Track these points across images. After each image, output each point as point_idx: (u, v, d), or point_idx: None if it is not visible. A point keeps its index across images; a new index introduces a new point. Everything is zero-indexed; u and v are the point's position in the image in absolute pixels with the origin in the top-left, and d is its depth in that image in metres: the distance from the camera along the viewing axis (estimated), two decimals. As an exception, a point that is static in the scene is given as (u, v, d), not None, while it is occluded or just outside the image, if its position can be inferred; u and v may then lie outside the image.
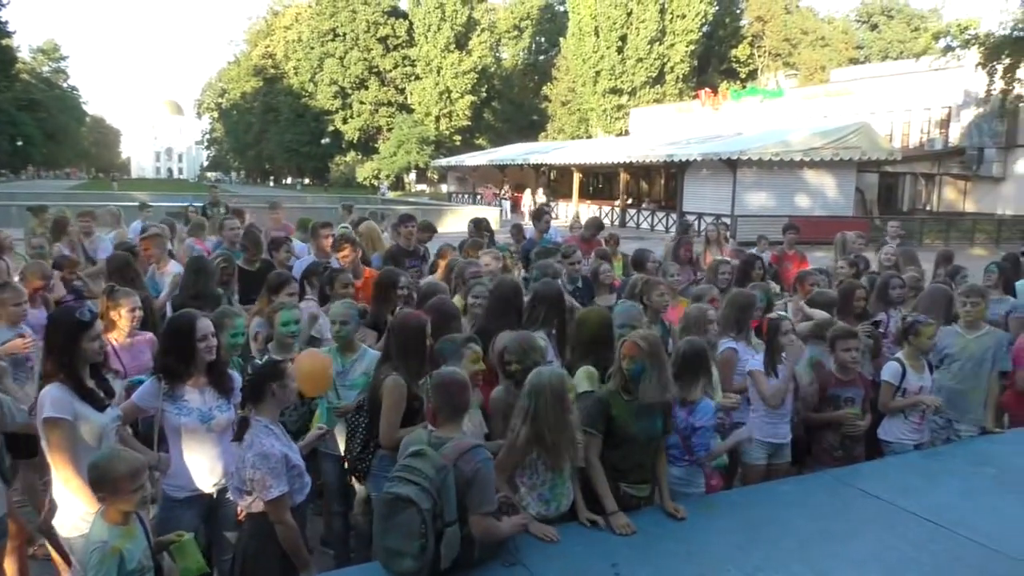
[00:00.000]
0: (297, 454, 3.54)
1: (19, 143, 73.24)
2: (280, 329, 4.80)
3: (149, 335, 4.94)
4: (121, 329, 4.75)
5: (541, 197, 37.26)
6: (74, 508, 3.41)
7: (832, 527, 4.03)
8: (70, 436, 3.40)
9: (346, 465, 4.47)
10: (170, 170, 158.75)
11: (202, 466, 3.78)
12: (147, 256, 7.12)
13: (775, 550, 3.74)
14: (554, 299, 5.09)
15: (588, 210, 36.27)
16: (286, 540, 3.34)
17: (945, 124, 36.43)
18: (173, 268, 7.02)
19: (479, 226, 9.45)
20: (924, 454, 5.18)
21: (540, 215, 9.72)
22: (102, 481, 2.97)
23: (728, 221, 22.56)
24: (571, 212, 35.60)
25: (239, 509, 3.47)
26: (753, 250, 10.01)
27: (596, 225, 9.85)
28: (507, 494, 3.66)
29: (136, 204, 14.10)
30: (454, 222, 25.05)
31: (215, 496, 3.81)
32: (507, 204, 38.62)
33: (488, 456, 3.31)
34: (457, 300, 5.72)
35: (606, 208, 36.11)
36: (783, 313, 5.48)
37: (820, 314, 5.88)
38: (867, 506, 4.31)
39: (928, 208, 34.81)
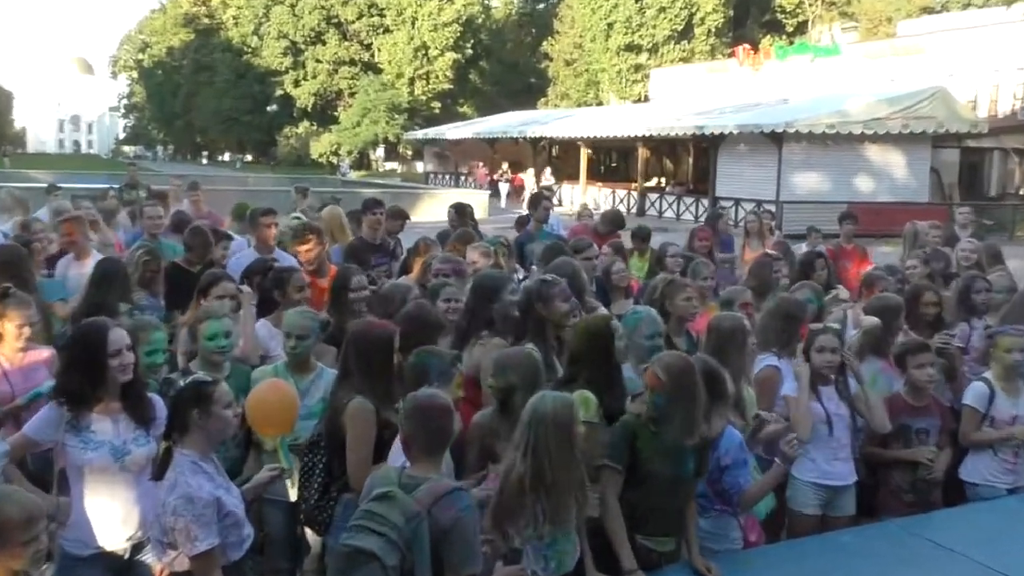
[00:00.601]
0: (236, 498, 3.52)
1: None
2: (205, 344, 4.76)
3: (47, 351, 4.89)
4: (9, 343, 4.70)
5: (548, 178, 37.29)
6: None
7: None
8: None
9: (301, 515, 4.45)
10: (77, 143, 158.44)
11: (113, 515, 3.74)
12: (68, 243, 7.10)
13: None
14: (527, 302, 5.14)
15: (599, 194, 36.39)
16: (214, 607, 3.32)
17: (1040, 89, 36.65)
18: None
19: (462, 213, 9.46)
20: (1016, 498, 5.18)
21: (537, 201, 9.71)
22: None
23: (772, 209, 22.61)
24: (577, 197, 35.71)
25: (159, 568, 3.45)
26: (802, 245, 10.07)
27: (615, 220, 9.81)
28: (496, 539, 3.63)
29: (42, 186, 14.09)
30: (432, 209, 25.09)
31: (128, 554, 3.78)
32: (505, 188, 38.52)
33: (471, 503, 3.29)
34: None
35: (621, 192, 36.23)
36: (833, 325, 5.46)
37: (871, 321, 5.88)
38: (942, 564, 4.31)
39: (1023, 193, 34.92)
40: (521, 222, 9.87)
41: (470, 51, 68.84)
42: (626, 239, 9.16)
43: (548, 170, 39.00)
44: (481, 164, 43.90)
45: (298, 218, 9.27)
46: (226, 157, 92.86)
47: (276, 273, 5.97)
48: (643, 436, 3.97)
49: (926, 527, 4.72)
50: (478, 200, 26.68)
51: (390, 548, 3.08)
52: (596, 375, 4.47)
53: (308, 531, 4.47)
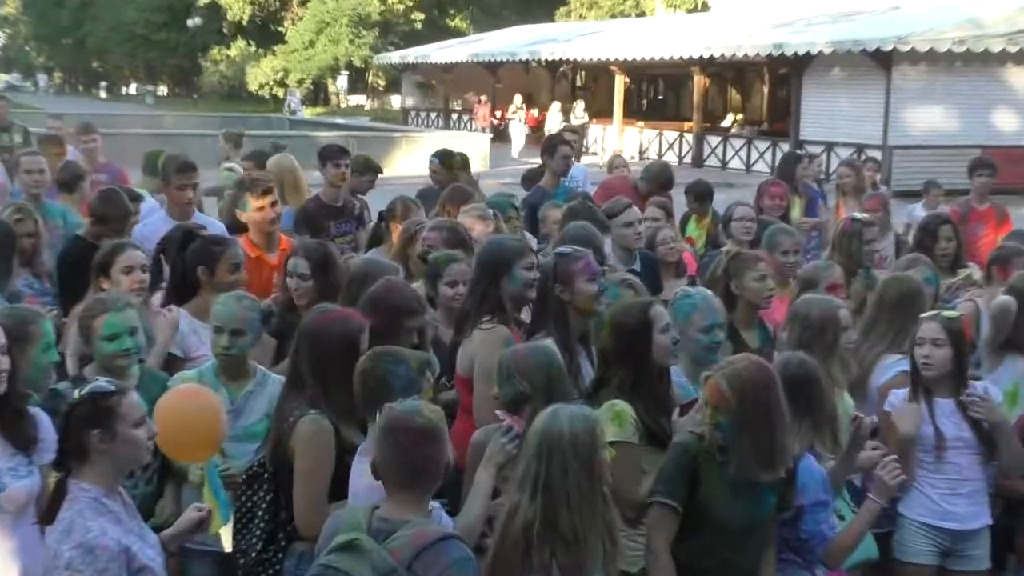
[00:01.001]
0: (153, 547, 3.57)
1: None
2: (103, 346, 4.74)
3: None
4: None
5: (580, 115, 36.90)
6: None
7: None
8: None
9: (239, 572, 4.48)
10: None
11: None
12: None
13: None
14: (543, 283, 5.20)
15: (640, 138, 36.28)
16: None
17: None
18: None
19: (449, 164, 9.47)
20: None
21: (553, 147, 9.67)
22: None
23: (877, 156, 22.52)
24: (611, 141, 35.58)
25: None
26: (918, 205, 10.06)
27: (661, 176, 9.74)
28: None
29: None
30: (412, 158, 25.05)
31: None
32: (520, 130, 38.27)
33: (466, 556, 3.30)
34: (423, 288, 5.76)
35: (671, 135, 36.14)
36: (951, 313, 5.44)
37: (1005, 303, 5.87)
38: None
39: None
40: (530, 177, 9.83)
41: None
42: (678, 199, 9.18)
43: (580, 104, 38.65)
44: (483, 98, 43.57)
45: (231, 170, 9.29)
46: (132, 89, 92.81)
47: (203, 245, 5.93)
48: (708, 465, 3.99)
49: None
50: (476, 147, 26.75)
51: None
52: (632, 379, 4.51)
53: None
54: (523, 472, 3.64)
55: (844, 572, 4.58)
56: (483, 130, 38.67)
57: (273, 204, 6.86)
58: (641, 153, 35.27)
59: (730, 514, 3.98)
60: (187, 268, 5.76)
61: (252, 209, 6.78)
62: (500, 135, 37.25)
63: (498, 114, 41.80)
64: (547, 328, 5.05)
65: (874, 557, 4.70)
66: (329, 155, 8.32)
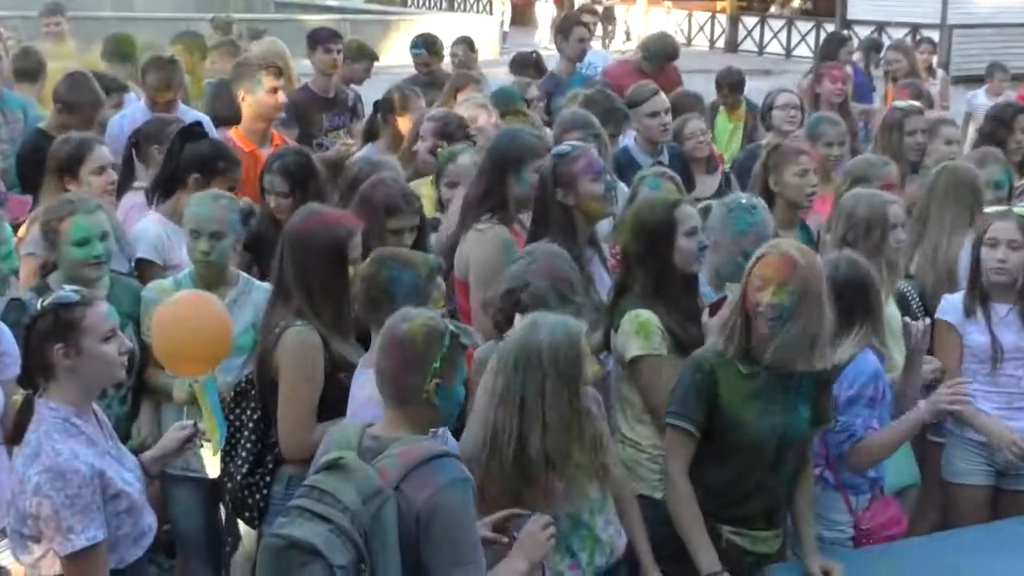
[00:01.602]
0: (131, 471, 3.61)
1: None
2: (71, 251, 4.75)
3: None
4: None
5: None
6: None
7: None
8: None
9: (226, 498, 4.56)
10: None
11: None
12: None
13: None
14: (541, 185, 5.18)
15: (667, 20, 35.89)
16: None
17: None
18: None
19: (434, 48, 9.48)
20: None
21: (568, 29, 9.60)
22: None
23: (935, 36, 22.22)
24: (634, 24, 35.26)
25: (20, 572, 3.54)
26: (980, 91, 9.97)
27: (662, 46, 9.61)
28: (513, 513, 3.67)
29: None
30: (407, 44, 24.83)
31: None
32: (547, 10, 37.37)
33: (463, 475, 3.29)
34: (425, 189, 5.76)
35: (701, 15, 35.78)
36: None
37: None
38: None
39: None
40: (520, 61, 9.72)
41: None
42: (708, 88, 9.11)
43: None
44: None
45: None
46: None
47: (210, 152, 5.80)
48: (728, 380, 4.00)
49: None
50: (485, 31, 26.40)
51: (338, 541, 3.09)
52: (653, 285, 4.50)
53: (240, 523, 4.57)
54: (501, 387, 3.67)
55: (892, 500, 4.62)
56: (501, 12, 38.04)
57: (279, 86, 6.88)
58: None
59: (761, 430, 3.99)
60: (180, 168, 5.67)
61: (265, 89, 6.77)
62: (522, 18, 36.68)
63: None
64: (550, 238, 4.94)
65: (915, 484, 4.72)
66: (320, 39, 8.28)
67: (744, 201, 5.24)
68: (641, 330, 4.33)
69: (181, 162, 5.66)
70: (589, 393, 3.74)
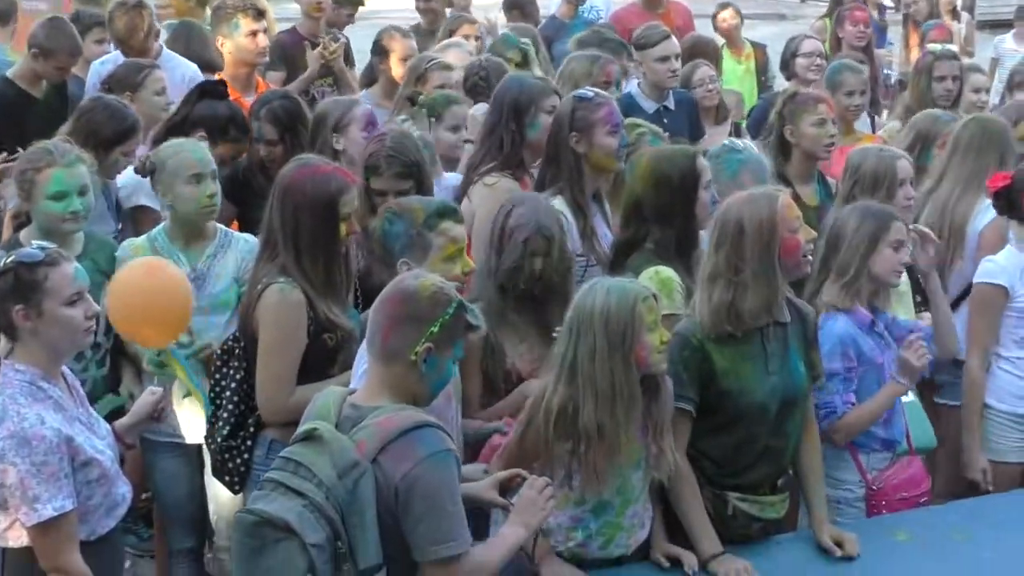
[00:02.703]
0: (103, 439, 3.60)
1: None
2: (47, 205, 4.74)
3: None
4: None
5: None
6: None
7: None
8: None
9: (206, 461, 4.57)
10: None
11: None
12: None
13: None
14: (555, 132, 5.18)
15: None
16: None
17: None
18: None
19: None
20: None
21: None
22: None
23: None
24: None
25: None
26: (1008, 35, 9.93)
27: None
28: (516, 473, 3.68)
29: None
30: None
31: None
32: None
33: (444, 447, 3.27)
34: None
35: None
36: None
37: None
38: None
39: None
40: (513, 2, 9.67)
41: None
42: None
43: None
44: None
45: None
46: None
47: (227, 115, 5.83)
48: (719, 350, 4.00)
49: None
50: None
51: (312, 517, 3.08)
52: (675, 241, 4.53)
53: (218, 488, 4.56)
54: (558, 350, 3.72)
55: (919, 462, 4.61)
56: None
57: (260, 28, 6.91)
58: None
59: (763, 392, 4.01)
60: (188, 121, 5.70)
61: (244, 33, 6.81)
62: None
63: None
64: (559, 183, 5.02)
65: (930, 446, 4.70)
66: None
67: (724, 144, 5.40)
68: (663, 288, 4.30)
69: (192, 115, 5.70)
70: (654, 366, 3.73)
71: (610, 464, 3.74)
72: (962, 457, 4.93)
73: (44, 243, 3.72)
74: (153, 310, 4.23)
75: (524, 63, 7.14)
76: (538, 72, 6.94)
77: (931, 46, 8.04)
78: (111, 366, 4.81)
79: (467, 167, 5.47)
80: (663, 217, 4.58)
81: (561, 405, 3.68)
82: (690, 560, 3.92)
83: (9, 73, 6.94)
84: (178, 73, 6.99)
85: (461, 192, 5.31)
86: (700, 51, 7.87)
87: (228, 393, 4.35)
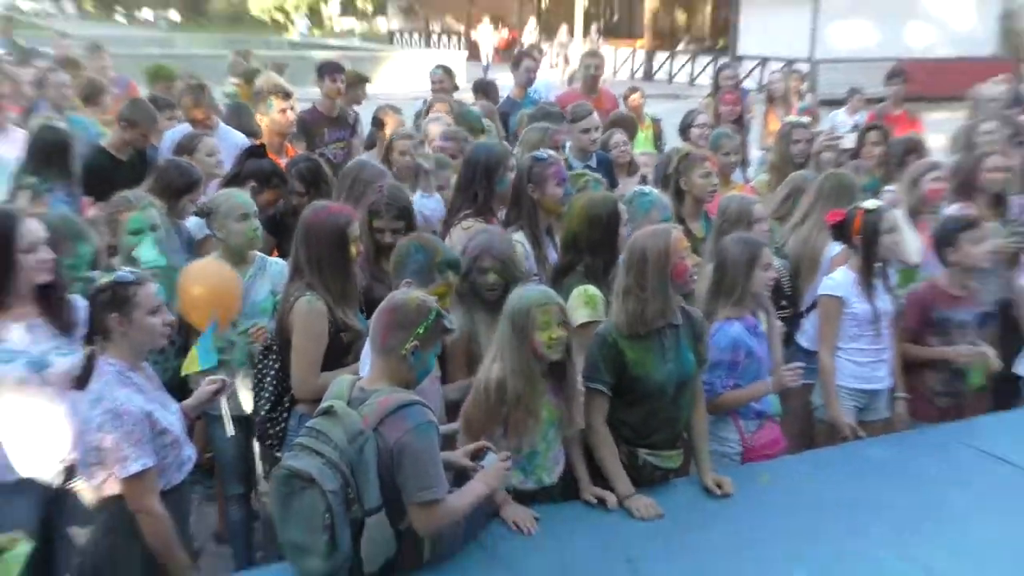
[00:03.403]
0: (172, 412, 3.60)
1: None
2: (128, 240, 4.75)
3: None
4: None
5: (563, 38, 35.95)
6: None
7: (941, 504, 4.18)
8: None
9: (252, 428, 4.59)
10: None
11: (37, 435, 3.79)
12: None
13: (858, 539, 3.88)
14: (517, 183, 5.24)
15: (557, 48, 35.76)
16: (152, 536, 3.41)
17: None
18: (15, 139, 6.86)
19: (451, 74, 9.37)
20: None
21: (519, 61, 9.62)
22: None
23: (806, 68, 22.35)
24: (573, 55, 35.07)
25: (88, 493, 3.52)
26: (842, 110, 10.03)
27: (591, 64, 9.49)
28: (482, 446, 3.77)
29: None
30: (397, 74, 24.67)
31: (61, 479, 3.85)
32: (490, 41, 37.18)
33: (426, 420, 3.35)
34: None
35: (625, 51, 35.66)
36: (879, 203, 5.47)
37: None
38: (995, 475, 4.45)
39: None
40: (480, 87, 9.69)
41: None
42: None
43: (565, 28, 37.20)
44: (488, 21, 41.50)
45: (235, 85, 9.21)
46: (148, 15, 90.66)
47: (266, 171, 5.85)
48: (628, 345, 4.04)
49: (974, 434, 4.85)
50: (453, 63, 26.27)
51: (330, 471, 3.21)
52: (596, 265, 4.60)
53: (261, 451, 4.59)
54: (496, 338, 3.85)
55: (776, 425, 4.66)
56: (495, 56, 36.98)
57: (288, 106, 6.88)
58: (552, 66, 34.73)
59: (662, 376, 4.06)
60: (242, 175, 5.73)
61: (276, 111, 6.83)
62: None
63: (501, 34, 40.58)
64: (520, 221, 5.11)
65: (778, 413, 4.72)
66: (327, 70, 8.20)
67: (636, 190, 5.42)
68: (590, 301, 4.40)
69: (244, 170, 5.75)
70: (547, 356, 3.77)
71: (533, 423, 3.82)
72: (830, 422, 4.97)
73: (132, 269, 3.75)
74: (204, 292, 4.36)
75: (483, 132, 7.23)
76: (494, 138, 7.01)
77: (789, 118, 8.14)
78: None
79: (448, 212, 5.47)
80: (593, 248, 4.64)
81: (497, 380, 3.76)
82: (611, 499, 3.99)
83: (103, 142, 6.90)
84: (231, 141, 6.99)
85: (443, 232, 5.29)
86: (622, 123, 7.89)
87: (268, 379, 4.39)
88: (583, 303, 4.35)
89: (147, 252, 4.70)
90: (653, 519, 3.91)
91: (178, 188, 5.43)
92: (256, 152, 6.14)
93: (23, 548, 3.16)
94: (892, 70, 9.96)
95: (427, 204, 5.74)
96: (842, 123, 9.46)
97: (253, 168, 5.78)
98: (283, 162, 6.32)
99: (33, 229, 3.78)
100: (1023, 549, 3.85)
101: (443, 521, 3.42)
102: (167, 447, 3.49)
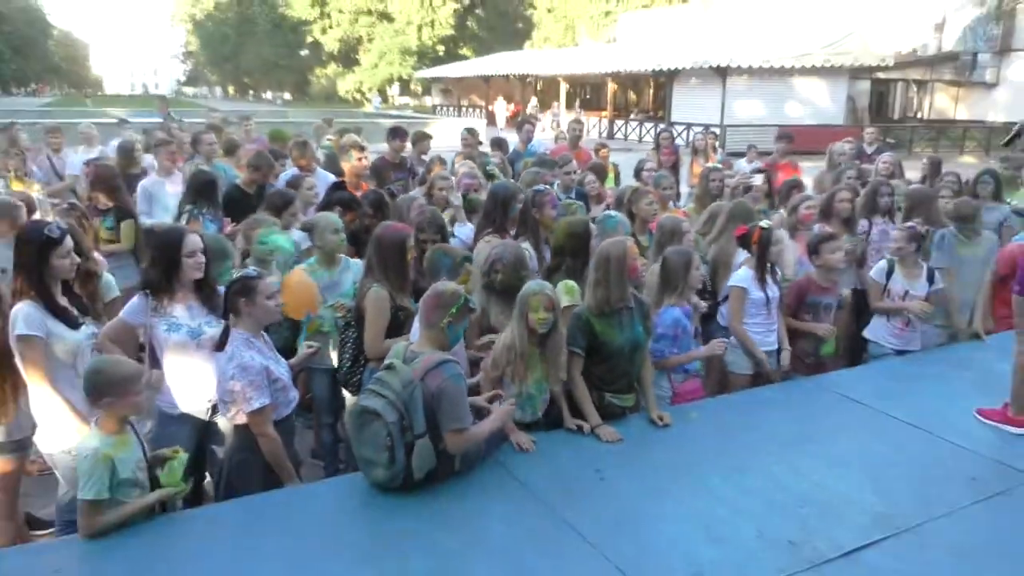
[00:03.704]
0: (282, 367, 3.55)
1: (-15, 58, 71.06)
2: (257, 248, 4.76)
3: None
4: None
5: (559, 112, 35.80)
6: (54, 424, 3.43)
7: (813, 430, 4.13)
8: (44, 353, 3.39)
9: (338, 378, 4.52)
10: (145, 85, 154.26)
11: (193, 382, 3.75)
12: (167, 167, 6.97)
13: (754, 453, 3.84)
14: (524, 207, 5.20)
15: (552, 118, 35.74)
16: (268, 452, 3.37)
17: (940, 28, 35.63)
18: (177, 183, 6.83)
19: (475, 134, 9.26)
20: (906, 360, 5.24)
21: (521, 126, 9.69)
22: (108, 384, 2.94)
23: (717, 131, 22.29)
24: (562, 123, 35.05)
25: (225, 424, 3.48)
26: (743, 160, 9.94)
27: (573, 133, 9.45)
28: (496, 393, 3.73)
29: (114, 121, 13.83)
30: (439, 134, 24.44)
31: (208, 414, 3.81)
32: (503, 112, 36.75)
33: (457, 372, 3.31)
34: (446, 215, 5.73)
35: (594, 119, 35.54)
36: (770, 223, 5.42)
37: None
38: (849, 411, 4.41)
39: (919, 116, 34.39)
40: (495, 142, 9.58)
41: (467, 1, 66.48)
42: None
43: (560, 105, 37.13)
44: (502, 98, 41.41)
45: (329, 141, 9.16)
46: (268, 95, 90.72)
47: (336, 187, 5.86)
48: (596, 321, 3.98)
49: (837, 383, 4.81)
50: (477, 127, 26.21)
51: (390, 408, 3.16)
52: (576, 265, 4.53)
53: (347, 394, 4.52)
54: (515, 315, 3.78)
55: (694, 377, 4.57)
56: (506, 122, 36.62)
57: (366, 158, 6.88)
58: (555, 127, 34.63)
59: (621, 342, 3.99)
60: (331, 203, 5.66)
61: (354, 160, 6.77)
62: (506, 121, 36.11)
63: (511, 107, 40.41)
64: (527, 235, 5.05)
65: (698, 371, 4.65)
66: (395, 134, 8.14)
67: (602, 214, 5.35)
68: (570, 291, 4.31)
69: (332, 199, 5.71)
70: (538, 328, 3.72)
71: (529, 373, 3.78)
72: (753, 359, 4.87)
73: (257, 268, 3.73)
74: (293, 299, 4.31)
75: (492, 177, 7.16)
76: (504, 179, 6.96)
77: (707, 164, 8.07)
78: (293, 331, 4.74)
79: (476, 230, 5.40)
80: (573, 253, 4.58)
81: (507, 343, 3.74)
82: (585, 427, 3.93)
83: (237, 181, 6.92)
84: (325, 179, 6.96)
85: (473, 244, 5.25)
86: (595, 169, 7.76)
87: (349, 344, 4.34)
88: (565, 293, 4.28)
89: (283, 241, 4.81)
90: (615, 442, 3.85)
91: (278, 206, 5.44)
92: (339, 187, 6.16)
93: (182, 456, 3.17)
94: (780, 133, 9.78)
95: (462, 231, 5.67)
96: (742, 169, 9.36)
97: (338, 198, 5.71)
98: (359, 194, 6.25)
99: (193, 240, 3.73)
100: (868, 461, 3.80)
101: (468, 443, 3.37)
102: (279, 391, 3.45)
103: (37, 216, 5.40)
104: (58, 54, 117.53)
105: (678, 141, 16.66)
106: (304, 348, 3.97)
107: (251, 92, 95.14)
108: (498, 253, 4.30)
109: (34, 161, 8.30)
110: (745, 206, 5.69)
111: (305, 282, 4.48)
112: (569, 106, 38.79)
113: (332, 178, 7.06)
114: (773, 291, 4.92)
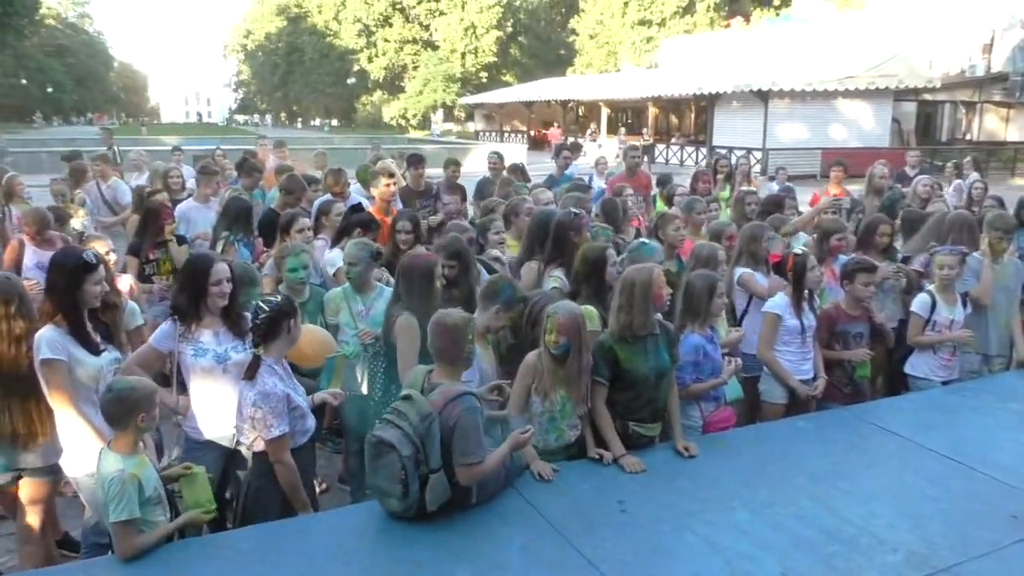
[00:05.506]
0: (301, 396, 3.54)
1: (49, 89, 74.00)
2: (288, 275, 4.80)
3: None
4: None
5: (620, 139, 35.65)
6: (79, 448, 3.46)
7: (846, 463, 3.97)
8: (68, 377, 3.43)
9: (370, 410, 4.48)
10: (199, 114, 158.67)
11: (219, 408, 3.76)
12: (205, 194, 7.11)
13: (784, 486, 3.71)
14: (556, 231, 5.08)
15: (616, 146, 35.71)
16: (283, 480, 3.36)
17: (988, 49, 34.86)
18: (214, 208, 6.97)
19: (502, 158, 9.28)
20: (948, 390, 5.05)
21: (558, 153, 9.79)
22: (144, 398, 2.98)
23: (759, 155, 22.05)
24: (609, 150, 35.14)
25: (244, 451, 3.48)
26: (773, 183, 9.81)
27: (627, 158, 9.38)
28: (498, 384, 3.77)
29: (168, 148, 14.33)
30: (482, 160, 24.66)
31: (235, 439, 3.79)
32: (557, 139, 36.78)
33: (474, 405, 3.26)
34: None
35: (635, 141, 35.50)
36: (805, 249, 5.30)
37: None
38: (884, 442, 4.24)
39: (968, 137, 33.56)
40: (514, 168, 9.38)
41: (510, 29, 67.18)
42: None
43: (623, 132, 36.01)
44: (556, 125, 41.41)
45: (367, 165, 9.30)
46: (316, 122, 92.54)
47: (361, 221, 5.82)
48: (620, 348, 3.90)
49: (873, 413, 4.64)
50: (517, 152, 26.33)
51: (406, 441, 3.11)
52: (592, 291, 4.46)
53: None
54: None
55: (731, 409, 4.45)
56: (557, 147, 36.93)
57: (395, 184, 6.97)
58: (616, 156, 34.68)
59: (646, 370, 3.90)
60: (350, 225, 5.72)
61: (382, 185, 6.84)
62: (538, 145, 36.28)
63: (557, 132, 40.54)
64: (562, 259, 4.94)
65: (740, 397, 4.57)
66: (411, 162, 8.20)
67: (636, 242, 5.25)
68: (590, 316, 4.18)
69: (351, 222, 5.74)
70: (552, 351, 3.69)
71: (551, 390, 3.71)
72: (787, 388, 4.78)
73: (288, 295, 3.83)
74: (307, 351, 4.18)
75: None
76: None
77: (743, 188, 7.96)
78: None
79: (519, 257, 5.38)
80: (586, 278, 4.52)
81: (533, 361, 3.73)
82: (608, 457, 3.84)
83: (272, 204, 7.06)
84: (354, 199, 7.12)
85: (517, 270, 5.23)
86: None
87: (380, 374, 4.35)
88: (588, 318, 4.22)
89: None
90: (638, 472, 3.76)
91: (233, 215, 5.77)
92: (357, 208, 6.28)
93: (199, 472, 3.26)
94: (835, 160, 9.67)
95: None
96: (771, 189, 9.19)
97: (356, 219, 5.78)
98: (388, 219, 6.31)
99: (221, 269, 3.75)
100: (903, 496, 3.65)
101: (480, 476, 3.30)
102: (297, 419, 3.44)
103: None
104: (118, 84, 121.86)
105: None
106: (327, 395, 3.89)
107: (299, 119, 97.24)
108: (539, 297, 4.25)
109: (83, 189, 8.51)
110: (761, 229, 5.53)
111: (315, 334, 4.38)
112: (611, 131, 38.78)
113: (366, 199, 7.15)
114: (809, 319, 4.79)
